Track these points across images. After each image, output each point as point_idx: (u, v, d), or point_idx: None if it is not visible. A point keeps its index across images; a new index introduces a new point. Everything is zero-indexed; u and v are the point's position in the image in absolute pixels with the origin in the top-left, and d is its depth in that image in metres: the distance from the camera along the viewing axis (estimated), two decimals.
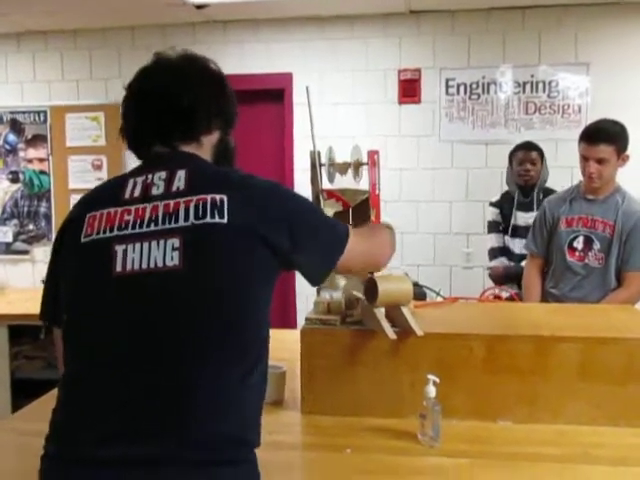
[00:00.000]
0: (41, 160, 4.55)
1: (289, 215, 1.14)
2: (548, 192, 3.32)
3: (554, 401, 1.65)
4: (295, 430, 1.66)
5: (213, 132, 1.26)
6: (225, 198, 1.08)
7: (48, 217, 4.56)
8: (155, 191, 1.12)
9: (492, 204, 3.65)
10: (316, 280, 1.28)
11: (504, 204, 3.58)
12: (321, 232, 1.21)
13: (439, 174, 4.27)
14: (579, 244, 2.69)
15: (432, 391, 1.51)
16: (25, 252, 4.61)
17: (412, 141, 4.23)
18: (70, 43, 4.50)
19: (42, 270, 4.35)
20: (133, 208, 1.11)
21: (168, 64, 1.27)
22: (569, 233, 2.72)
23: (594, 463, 1.44)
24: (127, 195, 1.13)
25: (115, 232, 1.09)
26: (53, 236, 4.56)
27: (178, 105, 1.20)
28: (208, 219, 1.06)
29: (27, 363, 3.70)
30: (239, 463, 1.06)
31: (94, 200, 1.19)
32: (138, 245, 1.07)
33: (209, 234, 1.06)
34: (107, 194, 1.18)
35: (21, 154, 4.57)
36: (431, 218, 4.29)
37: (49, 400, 1.85)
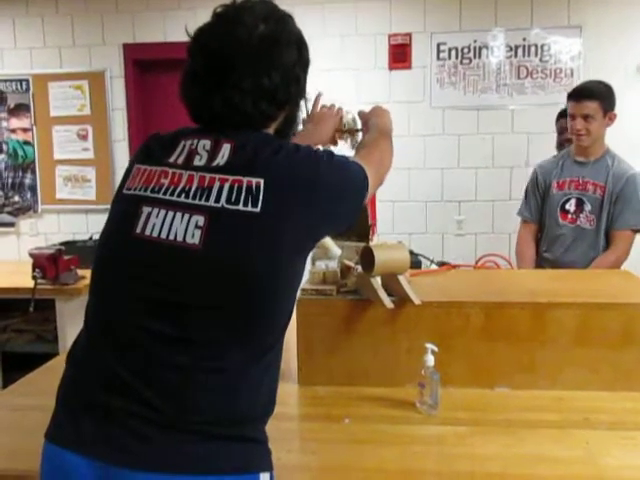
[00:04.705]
0: (25, 130, 4.45)
1: (324, 203, 1.09)
2: None
3: (552, 367, 1.65)
4: (292, 401, 1.65)
5: (284, 110, 1.17)
6: (262, 183, 1.02)
7: (33, 188, 4.48)
8: (197, 161, 1.08)
9: None
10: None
11: None
12: (350, 205, 1.18)
13: (430, 141, 4.23)
14: (571, 206, 2.73)
15: (431, 360, 1.50)
16: (10, 224, 4.54)
17: (403, 107, 4.17)
18: (51, 8, 4.37)
19: (28, 242, 4.29)
20: (171, 172, 1.08)
21: (252, 24, 1.09)
22: (561, 196, 2.75)
23: (593, 428, 1.44)
24: (172, 159, 1.10)
25: (147, 192, 1.08)
26: (39, 208, 4.50)
27: (256, 86, 1.08)
28: (241, 206, 1.01)
29: (16, 337, 3.66)
30: (246, 440, 1.05)
31: (149, 151, 1.16)
32: (163, 212, 1.05)
33: (239, 223, 1.01)
34: (160, 149, 1.14)
35: (4, 124, 4.47)
36: (422, 186, 4.26)
37: (40, 374, 1.84)
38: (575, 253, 2.71)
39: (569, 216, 2.73)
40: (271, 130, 1.18)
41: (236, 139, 1.08)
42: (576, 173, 2.73)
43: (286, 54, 1.12)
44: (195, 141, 1.11)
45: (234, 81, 1.08)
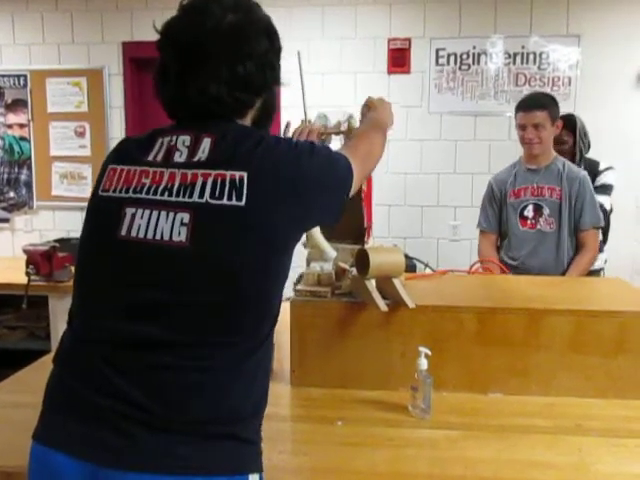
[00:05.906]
0: (21, 126, 4.43)
1: (308, 194, 1.08)
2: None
3: (545, 373, 1.65)
4: (285, 402, 1.64)
5: (261, 97, 1.16)
6: (245, 176, 1.02)
7: (29, 185, 4.46)
8: (177, 158, 1.07)
9: None
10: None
11: None
12: (335, 196, 1.15)
13: (427, 145, 4.24)
14: (529, 212, 2.85)
15: (424, 363, 1.50)
16: (5, 220, 4.52)
17: (401, 112, 4.17)
18: (51, 5, 4.36)
19: (22, 239, 4.27)
20: (151, 171, 1.07)
21: (220, 15, 1.09)
22: (519, 204, 2.87)
23: (585, 435, 1.44)
24: (151, 157, 1.09)
25: (130, 194, 1.06)
26: (34, 204, 4.48)
27: (232, 75, 1.08)
28: (225, 201, 1.01)
29: (9, 333, 3.64)
30: (237, 440, 1.04)
31: (123, 152, 1.15)
32: (147, 212, 1.04)
33: (224, 217, 1.01)
34: (136, 149, 1.13)
35: (0, 119, 4.46)
36: (418, 190, 4.26)
37: (31, 371, 1.83)
38: (539, 257, 2.81)
39: (528, 222, 2.85)
40: (248, 120, 1.17)
41: (215, 132, 1.08)
42: (530, 180, 2.86)
43: (257, 42, 1.11)
44: (174, 137, 1.10)
45: (208, 71, 1.08)
